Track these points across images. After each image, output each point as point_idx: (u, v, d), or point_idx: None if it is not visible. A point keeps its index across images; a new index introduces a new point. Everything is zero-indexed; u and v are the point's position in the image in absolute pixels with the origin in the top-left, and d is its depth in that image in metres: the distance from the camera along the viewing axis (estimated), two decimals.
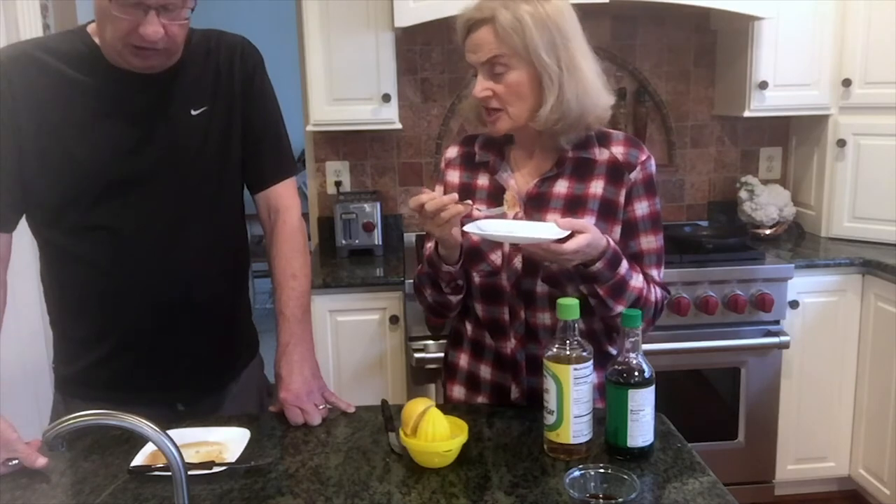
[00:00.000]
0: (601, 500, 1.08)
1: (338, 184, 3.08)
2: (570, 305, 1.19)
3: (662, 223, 1.42)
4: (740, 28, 2.84)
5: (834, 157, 2.88)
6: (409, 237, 3.11)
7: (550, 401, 1.21)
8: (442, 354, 1.62)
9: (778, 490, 2.79)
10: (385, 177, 3.13)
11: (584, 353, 1.20)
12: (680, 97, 3.16)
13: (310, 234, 3.07)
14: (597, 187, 1.36)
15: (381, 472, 1.22)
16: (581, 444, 1.22)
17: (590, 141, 1.39)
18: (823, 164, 2.94)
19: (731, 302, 2.55)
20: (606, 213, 1.35)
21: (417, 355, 2.49)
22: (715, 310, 2.55)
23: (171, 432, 0.98)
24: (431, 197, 1.24)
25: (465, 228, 1.25)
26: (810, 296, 2.66)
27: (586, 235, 1.22)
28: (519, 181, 1.41)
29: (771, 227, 2.98)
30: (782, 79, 2.81)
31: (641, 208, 1.37)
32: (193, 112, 1.42)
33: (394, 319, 2.57)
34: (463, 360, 1.51)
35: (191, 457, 1.25)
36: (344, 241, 2.87)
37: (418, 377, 2.55)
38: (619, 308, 1.30)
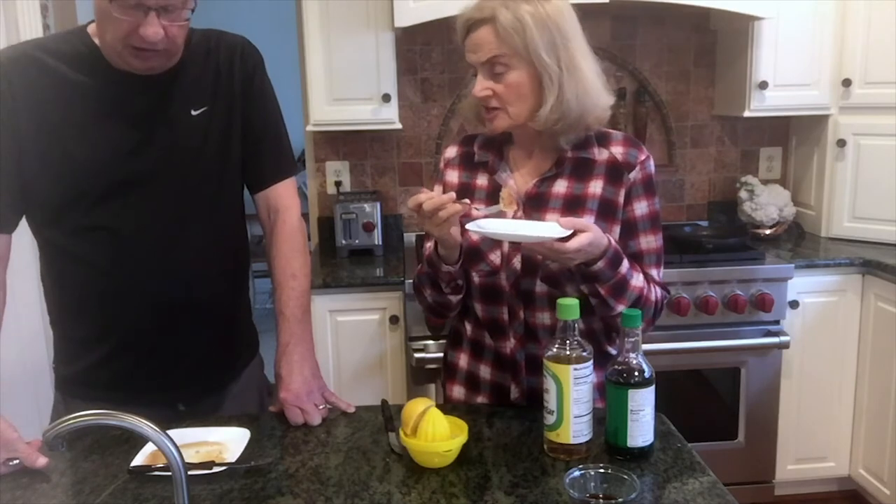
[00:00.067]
0: (601, 500, 1.08)
1: (338, 184, 3.08)
2: (570, 305, 1.19)
3: (662, 223, 1.42)
4: (740, 28, 2.85)
5: (834, 157, 2.88)
6: (409, 237, 3.11)
7: (550, 401, 1.21)
8: (442, 354, 1.62)
9: (778, 490, 2.79)
10: (385, 177, 3.13)
11: (584, 353, 1.20)
12: (680, 97, 3.16)
13: (310, 234, 3.07)
14: (596, 187, 1.36)
15: (381, 472, 1.22)
16: (581, 444, 1.22)
17: (589, 141, 1.39)
18: (823, 164, 2.94)
19: (731, 302, 2.56)
20: (606, 212, 1.36)
21: (417, 355, 2.49)
22: (715, 310, 2.55)
23: (171, 432, 0.98)
24: (429, 196, 1.24)
25: (467, 227, 1.25)
26: (810, 296, 2.66)
27: (588, 234, 1.22)
28: (518, 181, 1.41)
29: (771, 227, 2.98)
30: (782, 79, 2.81)
31: (641, 208, 1.37)
32: (193, 112, 1.42)
33: (394, 319, 2.57)
34: (462, 360, 1.51)
35: (191, 457, 1.25)
36: (344, 241, 2.87)
37: (418, 377, 2.55)
38: (621, 307, 1.30)
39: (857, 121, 2.81)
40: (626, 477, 1.08)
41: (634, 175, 1.36)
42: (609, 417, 1.23)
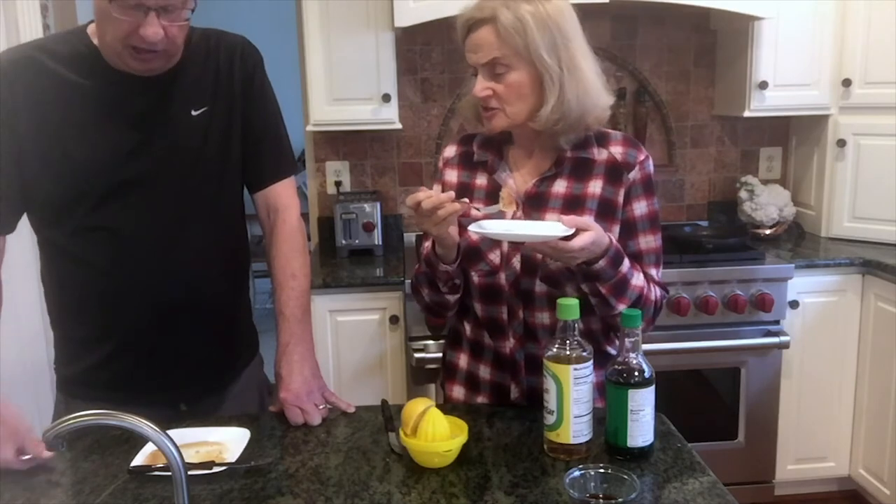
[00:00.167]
0: (601, 500, 1.08)
1: (338, 184, 3.08)
2: (570, 305, 1.19)
3: (661, 223, 1.42)
4: (740, 28, 2.84)
5: (834, 157, 2.88)
6: (409, 237, 3.11)
7: (550, 401, 1.21)
8: (441, 354, 1.62)
9: (778, 490, 2.79)
10: (385, 177, 3.13)
11: (584, 353, 1.20)
12: (680, 97, 3.16)
13: (310, 234, 3.07)
14: (595, 187, 1.37)
15: (381, 472, 1.22)
16: (581, 444, 1.22)
17: (588, 141, 1.39)
18: (823, 164, 2.94)
19: (731, 302, 2.55)
20: (605, 212, 1.36)
21: (417, 355, 2.49)
22: (715, 310, 2.55)
23: (171, 432, 0.98)
24: (428, 195, 1.24)
25: (470, 229, 1.25)
26: (810, 296, 2.66)
27: (591, 233, 1.22)
28: (517, 181, 1.41)
29: (771, 227, 2.98)
30: (782, 79, 2.81)
31: (640, 208, 1.38)
32: (193, 112, 1.42)
33: (394, 319, 2.57)
34: (462, 360, 1.51)
35: (191, 457, 1.25)
36: (344, 241, 2.87)
37: (418, 377, 2.55)
38: (622, 306, 1.30)
39: (857, 121, 2.81)
40: (626, 477, 1.08)
41: (634, 175, 1.37)
42: (609, 417, 1.23)
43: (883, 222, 2.79)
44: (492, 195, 1.41)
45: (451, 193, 1.25)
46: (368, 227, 2.85)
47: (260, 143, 1.51)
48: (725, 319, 2.59)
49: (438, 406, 1.26)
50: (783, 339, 2.59)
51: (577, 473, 1.10)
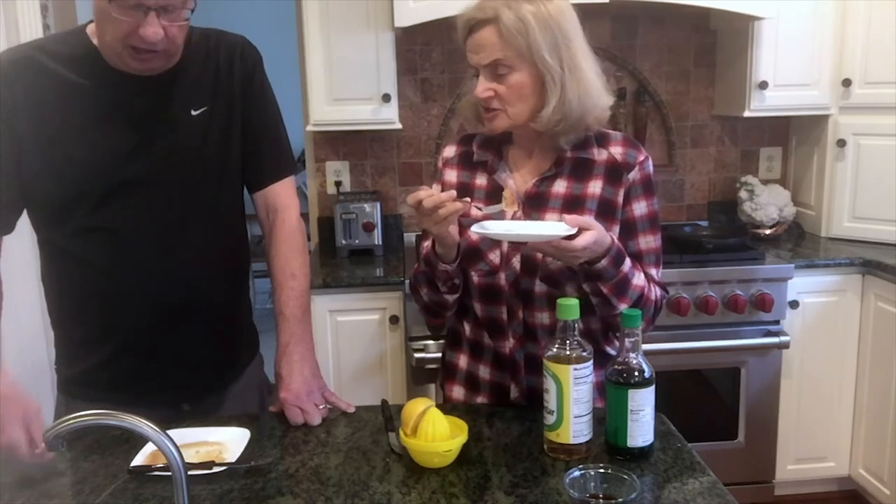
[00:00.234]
0: (601, 500, 1.08)
1: (338, 184, 3.08)
2: (570, 305, 1.19)
3: (661, 223, 1.42)
4: (740, 28, 2.84)
5: (834, 157, 2.88)
6: (409, 237, 3.11)
7: (550, 401, 1.21)
8: (441, 354, 1.62)
9: (778, 490, 2.79)
10: (385, 177, 3.13)
11: (584, 353, 1.20)
12: (680, 97, 3.16)
13: (310, 234, 3.07)
14: (595, 187, 1.37)
15: (381, 472, 1.22)
16: (581, 444, 1.22)
17: (588, 141, 1.39)
18: (823, 164, 2.94)
19: (731, 302, 2.55)
20: (605, 212, 1.36)
21: (417, 355, 2.49)
22: (715, 310, 2.55)
23: (171, 432, 0.98)
24: (429, 194, 1.24)
25: (472, 229, 1.25)
26: (810, 296, 2.66)
27: (593, 232, 1.22)
28: (517, 181, 1.41)
29: (771, 227, 2.98)
30: (782, 79, 2.81)
31: (640, 208, 1.38)
32: (193, 112, 1.42)
33: (394, 319, 2.57)
34: (462, 360, 1.51)
35: (191, 457, 1.25)
36: (344, 241, 2.87)
37: (418, 377, 2.55)
38: (623, 306, 1.30)
39: (857, 121, 2.81)
40: (626, 477, 1.08)
41: (633, 175, 1.37)
42: (609, 417, 1.23)
43: (883, 222, 2.79)
44: (491, 195, 1.41)
45: (453, 192, 1.25)
46: (368, 227, 2.85)
47: (259, 143, 1.50)
48: (725, 319, 2.59)
49: (438, 406, 1.26)
50: (783, 339, 2.59)
51: (577, 473, 1.10)
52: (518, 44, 1.28)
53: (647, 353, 1.22)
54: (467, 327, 1.48)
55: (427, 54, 3.04)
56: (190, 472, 1.02)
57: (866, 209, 2.83)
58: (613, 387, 1.20)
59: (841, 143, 2.84)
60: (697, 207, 3.26)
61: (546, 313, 1.37)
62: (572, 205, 1.36)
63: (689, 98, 3.16)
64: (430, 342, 2.51)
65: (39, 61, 1.35)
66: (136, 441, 1.30)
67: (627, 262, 1.30)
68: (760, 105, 2.84)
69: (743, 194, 3.03)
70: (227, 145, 1.46)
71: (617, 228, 1.37)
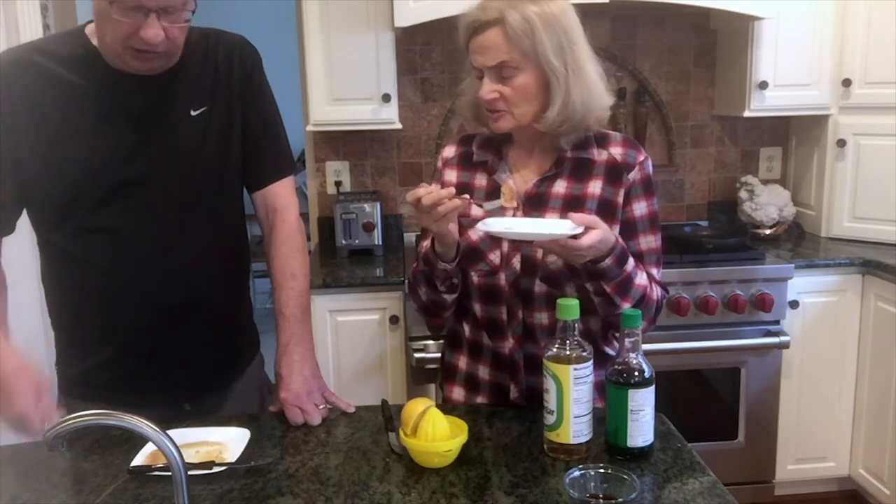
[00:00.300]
0: (601, 500, 1.08)
1: (338, 184, 3.08)
2: (570, 305, 1.19)
3: (661, 223, 1.42)
4: (740, 28, 2.84)
5: (834, 157, 2.88)
6: (409, 237, 3.11)
7: (550, 401, 1.21)
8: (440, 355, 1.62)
9: (778, 490, 2.79)
10: (385, 177, 3.13)
11: (584, 353, 1.20)
12: (680, 97, 3.16)
13: (310, 234, 3.07)
14: (595, 187, 1.37)
15: (381, 472, 1.22)
16: (581, 444, 1.22)
17: (588, 141, 1.39)
18: (823, 164, 2.94)
19: (731, 302, 2.55)
20: (605, 212, 1.35)
21: (417, 355, 2.49)
22: (715, 310, 2.55)
23: (171, 432, 0.98)
24: (429, 191, 1.24)
25: (477, 227, 1.25)
26: (810, 296, 2.66)
27: (598, 231, 1.22)
28: (517, 181, 1.41)
29: (771, 227, 2.98)
30: (782, 79, 2.81)
31: (640, 208, 1.38)
32: (193, 112, 1.42)
33: (394, 319, 2.57)
34: (461, 360, 1.51)
35: (191, 457, 1.25)
36: (344, 241, 2.87)
37: (418, 377, 2.55)
38: (626, 305, 1.30)
39: (857, 121, 2.81)
40: (626, 477, 1.08)
41: (633, 175, 1.37)
42: (609, 417, 1.23)
43: (883, 222, 2.79)
44: (491, 196, 1.41)
45: (452, 190, 1.24)
46: (368, 227, 2.85)
47: (259, 142, 1.50)
48: (725, 319, 2.59)
49: (438, 406, 1.26)
50: (783, 339, 2.59)
51: (577, 473, 1.10)
52: (524, 45, 1.27)
53: (647, 353, 1.22)
54: (467, 328, 1.48)
55: (427, 54, 3.04)
56: (190, 472, 1.02)
57: (866, 209, 2.83)
58: (613, 387, 1.20)
59: (841, 143, 2.84)
60: (697, 207, 3.26)
61: (546, 313, 1.37)
62: (572, 205, 1.36)
63: (689, 98, 3.16)
64: (430, 342, 2.51)
65: (38, 62, 1.35)
66: (136, 441, 1.30)
67: (631, 261, 1.30)
68: (760, 105, 2.84)
69: (743, 194, 3.03)
70: (226, 145, 1.46)
71: (617, 229, 1.36)
